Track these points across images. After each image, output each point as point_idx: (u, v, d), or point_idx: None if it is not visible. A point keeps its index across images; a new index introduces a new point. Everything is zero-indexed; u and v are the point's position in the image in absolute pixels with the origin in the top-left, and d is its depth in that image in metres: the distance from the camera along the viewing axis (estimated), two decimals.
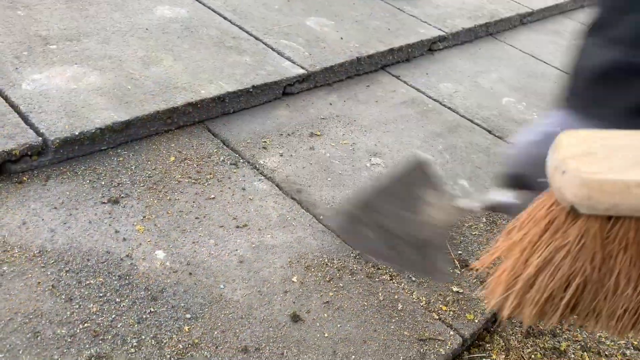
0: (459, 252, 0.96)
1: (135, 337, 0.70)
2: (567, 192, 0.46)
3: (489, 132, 1.35)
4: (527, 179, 0.64)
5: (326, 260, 0.88)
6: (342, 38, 1.48)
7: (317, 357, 0.73)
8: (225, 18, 1.43)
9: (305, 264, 0.86)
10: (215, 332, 0.73)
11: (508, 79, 1.62)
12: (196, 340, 0.72)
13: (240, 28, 1.40)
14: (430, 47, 1.65)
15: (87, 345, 0.68)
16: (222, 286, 0.80)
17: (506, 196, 0.68)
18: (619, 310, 0.51)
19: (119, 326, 0.71)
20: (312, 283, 0.84)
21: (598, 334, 0.93)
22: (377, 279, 0.87)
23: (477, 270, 0.84)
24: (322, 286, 0.84)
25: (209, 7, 1.46)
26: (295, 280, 0.83)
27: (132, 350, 0.69)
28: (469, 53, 1.72)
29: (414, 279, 0.89)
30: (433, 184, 0.75)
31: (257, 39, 1.37)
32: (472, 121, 1.37)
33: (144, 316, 0.73)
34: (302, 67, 1.30)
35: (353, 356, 0.74)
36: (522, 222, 0.52)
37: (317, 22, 1.54)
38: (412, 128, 1.29)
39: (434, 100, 1.43)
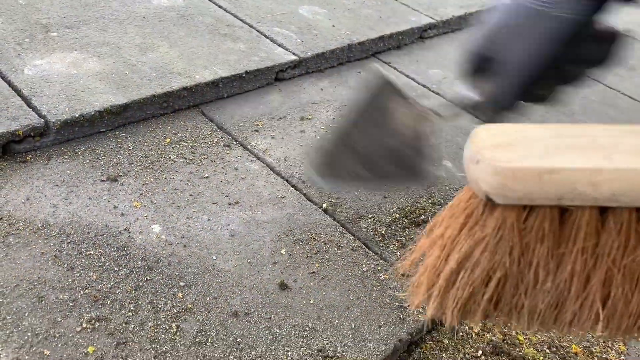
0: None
1: (132, 303, 0.75)
2: (482, 182, 0.45)
3: (475, 117, 1.39)
4: (489, 59, 0.64)
5: (314, 234, 0.93)
6: (333, 26, 1.52)
7: (303, 321, 0.78)
8: (220, 6, 1.48)
9: (293, 238, 0.92)
10: (208, 299, 0.78)
11: None
12: (189, 306, 0.77)
13: (235, 16, 1.45)
14: (421, 35, 1.70)
15: (87, 309, 0.73)
16: (214, 257, 0.85)
17: (469, 91, 0.70)
18: (540, 305, 0.49)
19: (117, 292, 0.76)
20: (300, 255, 0.89)
21: None
22: (361, 252, 0.92)
23: (402, 273, 0.87)
24: (309, 258, 0.89)
25: None
26: (284, 253, 0.89)
27: (130, 314, 0.74)
28: (460, 40, 1.76)
29: (396, 252, 0.94)
30: (399, 95, 0.77)
31: (250, 26, 1.42)
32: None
33: (141, 284, 0.78)
34: (294, 54, 1.34)
35: (336, 320, 0.79)
36: (442, 218, 0.51)
37: (309, 10, 1.58)
38: None
39: (423, 85, 1.47)
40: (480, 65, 0.67)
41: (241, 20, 1.44)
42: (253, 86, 1.26)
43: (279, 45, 1.36)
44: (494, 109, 0.70)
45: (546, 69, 0.63)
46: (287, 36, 1.41)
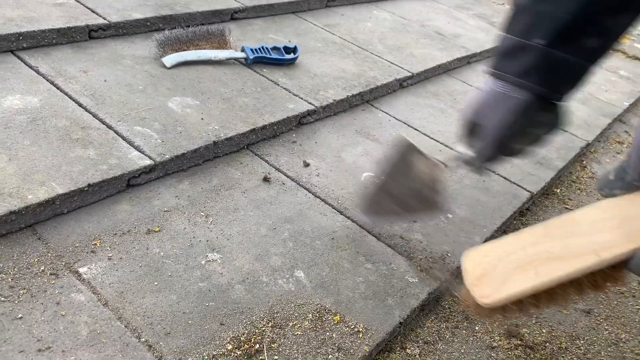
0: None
1: None
2: (487, 311, 0.84)
3: (340, 212, 1.38)
4: (476, 124, 0.94)
5: None
6: (202, 119, 1.50)
7: None
8: (80, 105, 1.43)
9: None
10: None
11: (373, 151, 1.67)
12: None
13: (94, 115, 1.40)
14: (300, 121, 1.70)
15: None
16: None
17: (465, 150, 1.00)
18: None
19: None
20: None
21: None
22: None
23: None
24: None
25: (65, 93, 1.45)
26: None
27: None
28: (341, 124, 1.77)
29: None
30: (418, 152, 1.14)
31: (109, 127, 1.37)
32: (325, 201, 1.41)
33: None
34: (150, 158, 1.30)
35: None
36: None
37: (180, 102, 1.55)
38: (262, 214, 1.31)
39: (292, 179, 1.46)
40: (471, 129, 0.96)
41: (100, 120, 1.39)
42: (99, 197, 1.21)
43: (135, 148, 1.32)
44: (482, 162, 0.99)
45: (513, 132, 0.91)
46: (147, 136, 1.38)
